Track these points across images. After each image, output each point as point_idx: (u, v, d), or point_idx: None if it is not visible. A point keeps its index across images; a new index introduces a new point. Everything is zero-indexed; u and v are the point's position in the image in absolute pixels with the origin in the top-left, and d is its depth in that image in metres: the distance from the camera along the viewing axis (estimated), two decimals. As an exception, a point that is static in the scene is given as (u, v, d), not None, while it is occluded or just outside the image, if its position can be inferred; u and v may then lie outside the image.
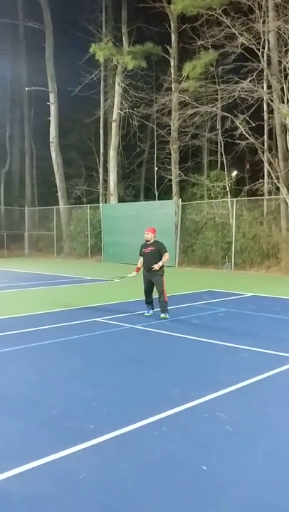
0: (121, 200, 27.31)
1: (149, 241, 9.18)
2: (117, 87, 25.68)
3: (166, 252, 9.18)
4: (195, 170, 27.16)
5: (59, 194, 28.63)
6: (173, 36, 23.71)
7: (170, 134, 23.81)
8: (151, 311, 9.29)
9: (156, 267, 8.89)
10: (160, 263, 8.91)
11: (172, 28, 23.62)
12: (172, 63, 23.64)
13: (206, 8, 19.97)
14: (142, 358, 6.43)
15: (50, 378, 5.55)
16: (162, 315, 8.95)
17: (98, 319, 8.90)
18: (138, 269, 9.33)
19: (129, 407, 4.63)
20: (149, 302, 9.34)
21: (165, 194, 26.71)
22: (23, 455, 3.62)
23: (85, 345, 6.96)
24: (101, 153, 28.56)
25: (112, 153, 26.45)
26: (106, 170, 27.92)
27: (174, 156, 23.75)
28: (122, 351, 6.77)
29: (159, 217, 21.79)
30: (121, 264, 21.97)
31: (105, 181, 28.08)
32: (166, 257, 9.08)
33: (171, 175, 24.07)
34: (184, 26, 22.49)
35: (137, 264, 9.38)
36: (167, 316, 8.92)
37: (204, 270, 19.91)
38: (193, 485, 3.26)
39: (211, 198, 22.44)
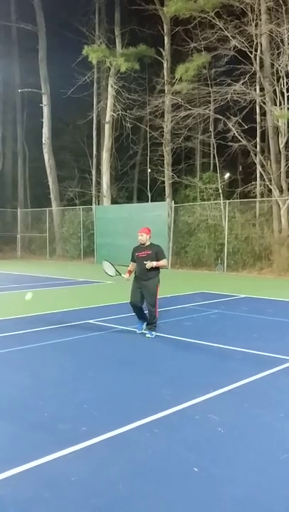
0: (114, 201, 27.30)
1: (143, 244, 7.75)
2: (110, 89, 25.69)
3: (165, 257, 7.83)
4: (188, 172, 27.22)
5: (52, 196, 28.57)
6: (166, 38, 23.76)
7: (163, 136, 23.86)
8: (144, 326, 7.89)
9: (150, 264, 7.49)
10: (155, 263, 7.53)
11: (165, 31, 23.68)
12: (165, 65, 23.69)
13: (199, 10, 20.05)
14: (134, 360, 6.43)
15: (41, 381, 5.53)
16: (150, 334, 7.61)
17: (90, 321, 8.88)
18: (130, 272, 7.99)
19: (121, 409, 4.63)
20: (141, 317, 7.90)
21: (158, 196, 26.73)
22: (14, 458, 3.61)
23: (76, 348, 6.94)
24: (94, 155, 28.55)
25: (105, 155, 26.45)
26: (99, 172, 27.91)
27: (167, 158, 23.79)
28: (113, 353, 6.77)
29: (152, 219, 21.77)
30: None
31: (98, 183, 28.07)
32: (164, 261, 7.71)
33: (164, 177, 24.11)
34: (177, 29, 22.58)
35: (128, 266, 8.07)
36: (153, 336, 7.59)
37: (197, 272, 19.95)
38: (185, 487, 3.26)
39: (204, 200, 22.49)
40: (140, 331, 7.84)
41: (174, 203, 22.43)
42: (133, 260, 7.86)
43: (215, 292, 13.11)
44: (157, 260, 7.61)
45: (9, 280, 16.25)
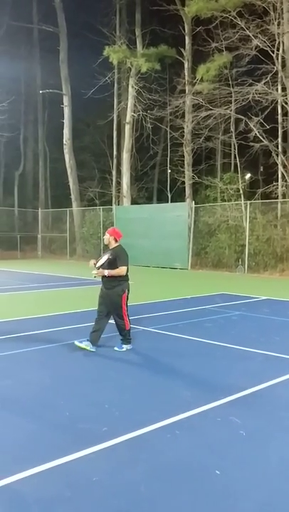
0: (134, 202, 27.33)
1: (107, 245, 6.91)
2: (130, 89, 25.73)
3: (124, 265, 6.61)
4: (208, 172, 27.11)
5: (72, 196, 28.75)
6: (187, 39, 23.71)
7: (183, 136, 23.79)
8: (86, 343, 6.65)
9: (98, 271, 6.55)
10: (107, 272, 6.49)
11: (186, 31, 23.61)
12: (186, 66, 23.63)
13: (221, 10, 19.96)
14: (155, 361, 6.41)
15: (62, 380, 5.55)
16: (118, 348, 6.79)
17: (111, 322, 8.86)
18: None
19: (142, 410, 4.61)
20: (95, 330, 6.67)
21: (178, 196, 26.68)
22: (36, 456, 3.62)
23: (98, 347, 6.94)
24: (114, 156, 28.63)
25: (126, 156, 26.50)
26: (119, 172, 27.97)
27: (188, 159, 23.72)
28: (134, 353, 6.75)
29: (172, 220, 21.78)
30: (133, 267, 21.96)
31: (118, 183, 28.13)
32: (118, 270, 6.52)
33: (184, 177, 24.04)
34: (198, 29, 22.48)
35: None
36: (123, 349, 6.74)
37: (217, 273, 19.83)
38: (207, 489, 3.23)
39: (225, 201, 22.36)
40: (79, 344, 6.67)
41: (195, 204, 22.34)
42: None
43: (236, 294, 13.00)
44: (116, 266, 6.54)
45: (30, 280, 16.39)
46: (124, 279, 6.70)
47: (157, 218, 22.42)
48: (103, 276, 6.62)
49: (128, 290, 6.77)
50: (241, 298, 12.30)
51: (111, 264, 6.55)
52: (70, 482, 3.28)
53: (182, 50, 23.71)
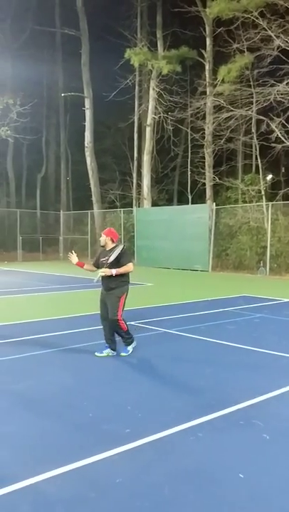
0: (154, 204, 27.36)
1: (104, 246, 6.65)
2: (151, 91, 25.78)
3: (130, 261, 6.52)
4: (229, 174, 26.98)
5: (93, 198, 28.93)
6: (208, 40, 23.65)
7: (204, 137, 23.72)
8: (107, 350, 6.58)
9: (106, 271, 6.34)
10: (114, 271, 6.31)
11: (207, 32, 23.56)
12: (207, 67, 23.57)
13: (242, 10, 19.84)
14: (177, 363, 6.39)
15: (84, 381, 5.58)
16: (124, 351, 6.58)
17: (132, 323, 8.89)
18: (79, 264, 6.78)
19: (165, 412, 4.61)
20: (109, 338, 6.65)
21: (198, 198, 26.61)
22: (60, 457, 3.65)
23: (119, 349, 6.96)
24: (135, 158, 28.70)
25: (146, 158, 26.55)
26: (140, 174, 28.03)
27: (208, 160, 23.64)
28: (155, 356, 6.75)
29: (192, 221, 21.72)
30: (154, 268, 22.00)
31: (139, 185, 28.19)
32: (125, 268, 6.40)
33: (204, 179, 23.97)
34: (219, 30, 22.38)
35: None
36: (128, 352, 6.60)
37: (238, 275, 19.70)
38: (231, 493, 3.22)
39: (246, 202, 22.21)
40: (100, 354, 6.53)
41: (215, 205, 22.25)
42: (96, 264, 6.71)
43: (257, 296, 12.90)
44: (119, 266, 6.37)
45: (52, 281, 16.53)
46: (125, 280, 6.54)
47: (178, 220, 22.39)
48: (107, 277, 6.40)
49: (127, 293, 6.58)
50: (263, 300, 12.19)
51: (114, 265, 6.36)
52: (93, 483, 3.30)
53: (203, 51, 23.66)
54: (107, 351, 6.54)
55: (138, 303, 11.37)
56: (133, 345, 6.67)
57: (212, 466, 3.57)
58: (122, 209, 26.94)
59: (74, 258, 6.78)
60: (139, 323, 8.92)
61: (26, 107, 26.82)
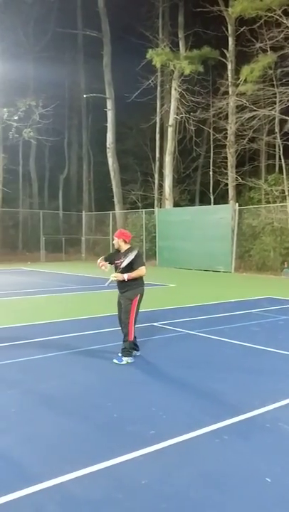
0: (176, 204, 27.29)
1: (118, 249, 6.57)
2: (173, 92, 25.73)
3: (142, 265, 6.40)
4: (252, 174, 26.74)
5: (115, 199, 29.03)
6: (230, 39, 23.48)
7: (227, 137, 23.58)
8: (126, 358, 6.33)
9: (118, 276, 6.27)
10: (126, 275, 6.21)
11: (230, 32, 23.39)
12: (229, 67, 23.41)
13: (265, 9, 19.67)
14: (201, 365, 6.36)
15: (108, 382, 5.60)
16: (118, 360, 6.26)
17: (154, 324, 8.90)
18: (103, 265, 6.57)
19: (189, 414, 4.59)
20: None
21: (221, 198, 26.45)
22: (86, 457, 3.67)
23: (143, 350, 6.95)
24: (157, 159, 28.69)
25: (168, 158, 26.51)
26: (161, 175, 28.01)
27: (231, 160, 23.48)
28: (179, 357, 6.74)
29: (214, 222, 21.60)
30: (175, 269, 21.96)
31: (160, 186, 28.17)
32: (137, 272, 6.29)
33: (227, 179, 23.82)
34: (242, 29, 22.21)
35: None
36: (123, 362, 6.22)
37: (262, 276, 19.51)
38: (258, 497, 3.18)
39: (269, 203, 22.00)
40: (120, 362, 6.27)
41: (238, 206, 22.09)
42: (107, 260, 6.59)
43: (282, 298, 12.75)
44: (130, 270, 6.26)
45: (74, 281, 16.64)
46: (138, 283, 6.42)
47: (200, 221, 22.30)
48: (120, 281, 6.32)
49: (141, 296, 6.45)
50: (288, 302, 12.05)
51: (127, 268, 6.27)
52: (120, 484, 3.31)
53: (225, 51, 23.51)
54: (126, 359, 6.30)
55: (160, 304, 11.37)
56: (129, 360, 6.27)
57: (238, 469, 3.54)
58: (143, 210, 26.95)
59: (107, 266, 6.55)
60: (161, 324, 8.91)
61: (49, 108, 27.08)
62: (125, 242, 6.51)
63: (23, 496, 3.13)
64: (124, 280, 6.25)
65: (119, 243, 6.49)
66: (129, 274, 6.23)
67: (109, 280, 6.39)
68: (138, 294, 6.39)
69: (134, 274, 6.25)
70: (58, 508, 3.02)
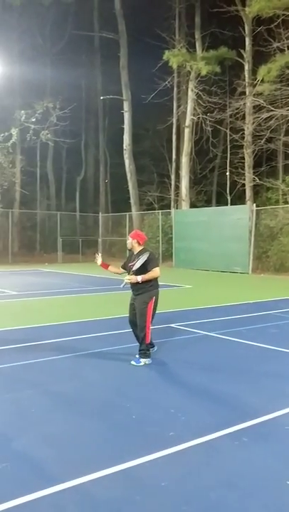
0: (193, 205, 27.24)
1: (131, 250, 6.58)
2: (190, 92, 25.69)
3: (156, 266, 6.32)
4: (269, 174, 26.57)
5: (131, 200, 29.07)
6: (247, 40, 23.38)
7: (244, 138, 23.45)
8: (147, 360, 6.33)
9: (131, 278, 6.23)
10: (140, 277, 6.17)
11: (246, 32, 23.29)
12: (246, 67, 23.30)
13: (283, 8, 19.53)
14: (219, 367, 6.33)
15: (126, 383, 5.60)
16: (136, 362, 6.26)
17: (172, 325, 8.88)
18: (104, 265, 6.81)
19: (208, 416, 4.57)
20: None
21: (237, 199, 26.32)
22: (106, 458, 3.67)
23: (160, 351, 6.94)
24: (173, 160, 28.67)
25: (185, 159, 26.47)
26: (178, 176, 27.97)
27: (248, 161, 23.36)
28: (197, 359, 6.71)
29: (232, 223, 21.50)
30: (192, 270, 21.90)
31: (177, 187, 28.14)
32: (150, 274, 6.23)
33: (244, 179, 23.69)
34: (259, 29, 22.14)
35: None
36: (141, 364, 6.23)
37: (280, 277, 19.35)
38: (279, 500, 3.15)
39: (287, 203, 21.83)
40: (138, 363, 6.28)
41: (256, 206, 21.95)
42: (124, 267, 6.64)
43: (299, 298, 12.64)
44: (147, 270, 6.21)
45: (91, 282, 16.69)
46: (153, 285, 6.36)
47: (217, 221, 22.21)
48: (134, 283, 6.29)
49: (157, 298, 6.41)
50: (306, 303, 11.94)
51: (140, 271, 6.20)
52: (139, 485, 3.30)
53: (242, 51, 23.41)
54: (144, 360, 6.31)
55: (177, 305, 11.35)
56: (147, 361, 6.27)
57: (258, 472, 3.51)
58: (160, 211, 26.95)
59: (99, 259, 6.78)
60: (179, 325, 8.89)
61: (66, 110, 27.24)
62: (139, 243, 6.47)
63: (43, 496, 3.15)
64: (137, 282, 6.22)
65: (132, 244, 6.46)
66: (142, 276, 6.18)
67: (124, 282, 6.37)
68: (153, 296, 6.35)
69: (147, 276, 6.20)
70: (78, 509, 3.03)
